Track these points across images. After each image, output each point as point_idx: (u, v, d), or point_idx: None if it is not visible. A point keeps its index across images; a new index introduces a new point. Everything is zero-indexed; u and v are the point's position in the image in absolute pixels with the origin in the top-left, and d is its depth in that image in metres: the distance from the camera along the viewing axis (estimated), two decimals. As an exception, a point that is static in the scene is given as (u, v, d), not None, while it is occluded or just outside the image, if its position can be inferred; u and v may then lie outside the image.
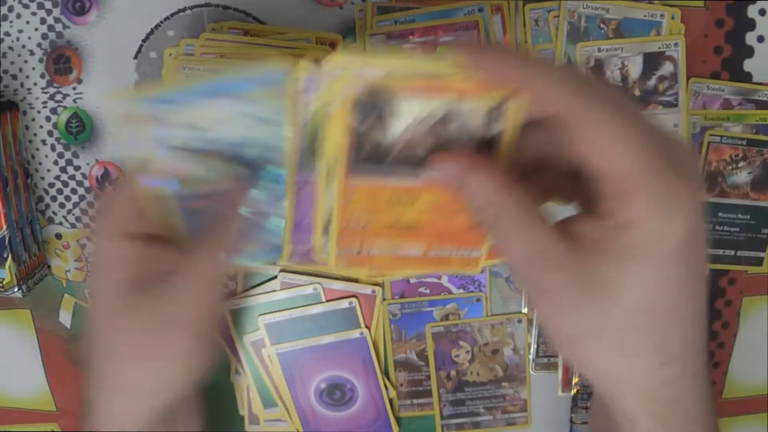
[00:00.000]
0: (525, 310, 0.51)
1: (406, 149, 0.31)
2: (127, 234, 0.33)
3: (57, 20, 0.48)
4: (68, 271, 0.51)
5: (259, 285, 0.50)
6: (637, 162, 0.23)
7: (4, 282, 0.47)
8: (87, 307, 0.51)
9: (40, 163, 0.50)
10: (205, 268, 0.33)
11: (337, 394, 0.52)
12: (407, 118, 0.29)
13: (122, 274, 0.33)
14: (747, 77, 0.49)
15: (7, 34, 0.48)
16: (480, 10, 0.46)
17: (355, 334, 0.51)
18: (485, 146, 0.31)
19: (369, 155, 0.31)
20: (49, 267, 0.51)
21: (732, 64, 0.48)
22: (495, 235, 0.28)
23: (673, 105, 0.48)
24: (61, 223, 0.50)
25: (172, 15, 0.48)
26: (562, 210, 0.30)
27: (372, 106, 0.29)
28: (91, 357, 0.35)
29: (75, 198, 0.50)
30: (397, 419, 0.52)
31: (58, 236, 0.51)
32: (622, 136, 0.23)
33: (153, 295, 0.33)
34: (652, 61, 0.47)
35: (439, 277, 0.51)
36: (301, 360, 0.51)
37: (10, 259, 0.47)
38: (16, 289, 0.48)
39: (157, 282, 0.33)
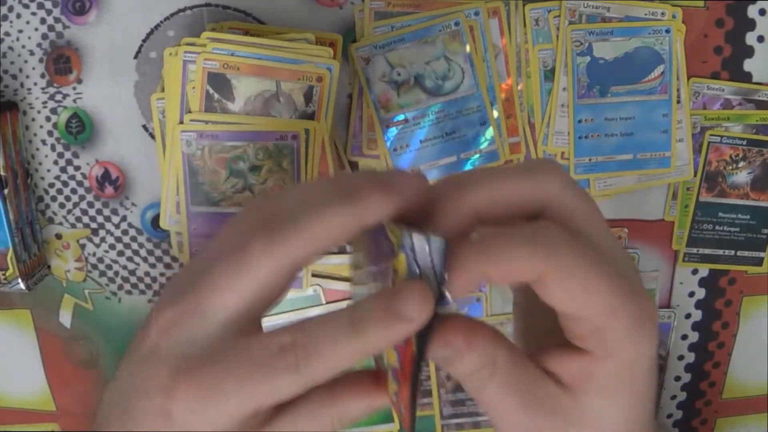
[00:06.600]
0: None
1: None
2: None
3: (57, 20, 0.48)
4: (68, 271, 0.51)
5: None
6: (605, 303, 0.25)
7: (7, 273, 0.47)
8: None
9: (40, 163, 0.50)
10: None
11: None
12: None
13: None
14: (747, 77, 0.49)
15: (7, 34, 0.48)
16: (476, 14, 0.46)
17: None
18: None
19: None
20: (49, 267, 0.51)
21: (732, 64, 0.48)
22: (487, 393, 0.27)
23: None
24: (61, 223, 0.50)
25: (172, 15, 0.47)
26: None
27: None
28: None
29: (75, 198, 0.50)
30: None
31: (58, 236, 0.51)
32: (586, 286, 0.25)
33: None
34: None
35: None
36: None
37: (11, 252, 0.46)
38: (19, 281, 0.47)
39: None
